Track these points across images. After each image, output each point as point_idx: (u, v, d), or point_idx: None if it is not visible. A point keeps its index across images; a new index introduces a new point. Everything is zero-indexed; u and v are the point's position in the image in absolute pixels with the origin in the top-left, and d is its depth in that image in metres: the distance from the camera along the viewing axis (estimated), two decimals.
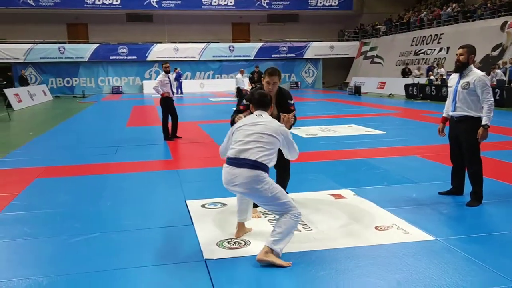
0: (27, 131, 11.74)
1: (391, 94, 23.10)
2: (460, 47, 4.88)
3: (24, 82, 24.08)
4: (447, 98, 5.10)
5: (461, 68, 4.83)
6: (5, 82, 18.13)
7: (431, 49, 24.86)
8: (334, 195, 5.27)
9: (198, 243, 3.89)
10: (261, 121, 3.63)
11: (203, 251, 3.70)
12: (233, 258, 3.56)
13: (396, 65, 27.51)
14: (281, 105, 4.53)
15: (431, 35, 25.43)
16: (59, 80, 29.32)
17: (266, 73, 4.43)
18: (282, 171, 4.73)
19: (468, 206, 4.76)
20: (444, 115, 5.16)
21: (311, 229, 4.19)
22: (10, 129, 13.00)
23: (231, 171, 3.51)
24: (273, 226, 4.14)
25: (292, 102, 4.60)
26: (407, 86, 21.20)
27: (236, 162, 3.50)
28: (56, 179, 6.46)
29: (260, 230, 4.14)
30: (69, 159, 7.79)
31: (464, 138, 4.81)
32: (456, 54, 4.90)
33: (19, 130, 12.81)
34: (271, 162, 3.58)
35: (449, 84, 5.08)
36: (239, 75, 18.25)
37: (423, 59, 25.22)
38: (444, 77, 18.50)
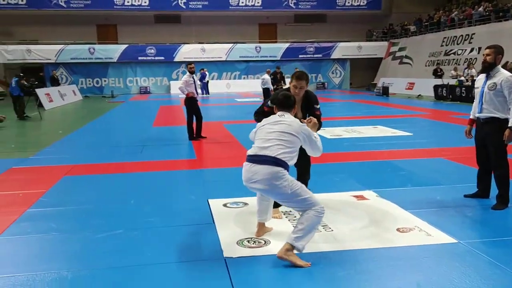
0: (57, 130, 12.03)
1: (419, 95, 22.74)
2: (487, 48, 4.79)
3: (55, 82, 24.68)
4: (474, 100, 5.01)
5: (488, 68, 4.75)
6: (36, 82, 18.59)
7: (462, 50, 24.34)
8: (356, 196, 5.24)
9: (219, 241, 3.93)
10: (283, 120, 3.64)
11: (223, 250, 3.74)
12: (252, 257, 3.59)
13: (426, 65, 27.04)
14: (307, 109, 4.53)
15: (462, 35, 24.89)
16: (89, 81, 29.97)
17: (294, 77, 4.41)
18: (304, 170, 4.73)
19: (494, 209, 4.66)
20: (471, 117, 5.05)
21: (332, 230, 4.18)
22: (41, 128, 13.36)
23: (251, 168, 3.53)
24: (293, 226, 4.16)
25: (318, 106, 4.59)
26: (436, 87, 20.83)
27: (255, 159, 3.52)
28: (83, 177, 6.62)
29: (281, 230, 4.15)
30: (96, 158, 7.97)
31: (491, 140, 4.72)
32: (483, 55, 4.81)
33: (49, 129, 13.15)
34: (291, 160, 3.57)
35: (475, 85, 4.98)
36: (265, 76, 18.30)
37: (454, 59, 24.72)
38: (475, 78, 18.09)
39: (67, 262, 3.58)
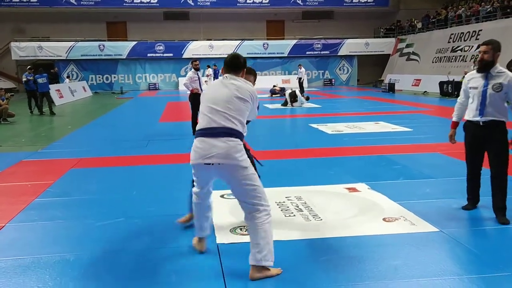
0: (66, 125, 12.38)
1: (425, 91, 22.81)
2: (483, 44, 4.28)
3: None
4: (459, 100, 4.58)
5: (486, 67, 4.24)
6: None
7: (469, 46, 24.32)
8: (348, 189, 5.44)
9: (213, 229, 4.17)
10: (230, 83, 3.32)
11: (216, 236, 3.98)
12: (243, 243, 3.80)
13: (433, 62, 27.06)
14: None
15: (469, 32, 24.86)
16: (99, 77, 30.41)
17: None
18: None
19: (503, 223, 4.19)
20: (454, 119, 4.63)
21: (321, 219, 4.40)
22: (51, 123, 13.70)
23: (204, 143, 3.21)
24: (285, 215, 4.39)
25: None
26: (442, 84, 20.90)
27: (208, 132, 3.22)
28: (89, 169, 6.90)
29: (273, 219, 4.37)
30: (102, 152, 8.25)
31: (493, 145, 4.29)
32: (479, 52, 4.30)
33: (59, 124, 13.49)
34: (245, 131, 3.31)
35: (471, 85, 4.39)
36: None
37: (460, 56, 24.72)
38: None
39: (70, 247, 3.84)
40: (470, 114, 4.39)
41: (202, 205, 3.57)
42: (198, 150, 3.23)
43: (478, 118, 4.30)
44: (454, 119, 4.65)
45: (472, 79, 4.41)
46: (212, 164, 3.17)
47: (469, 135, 4.44)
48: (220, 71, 3.70)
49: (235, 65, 3.41)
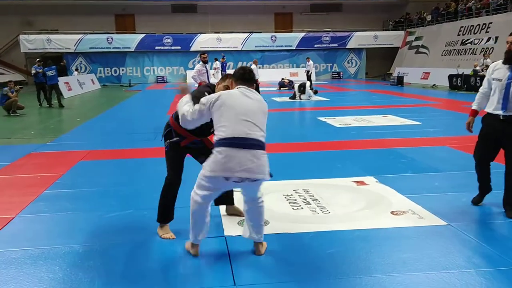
0: (75, 118, 12.44)
1: (434, 85, 22.65)
2: None
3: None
4: (482, 90, 4.41)
5: None
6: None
7: (479, 39, 24.09)
8: (356, 182, 5.43)
9: (221, 221, 4.19)
10: (254, 97, 3.35)
11: (224, 229, 4.00)
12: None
13: (442, 55, 26.84)
14: None
15: (479, 24, 24.61)
16: (107, 70, 30.53)
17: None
18: None
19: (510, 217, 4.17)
20: (474, 107, 4.46)
21: (329, 212, 4.40)
22: (60, 116, 13.78)
23: (239, 154, 3.12)
24: (293, 208, 4.40)
25: None
26: (451, 77, 20.73)
27: (241, 142, 3.14)
28: (98, 161, 6.94)
29: (278, 210, 4.39)
30: (110, 144, 8.30)
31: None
32: (507, 43, 4.15)
33: (68, 116, 13.56)
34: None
35: (494, 76, 4.23)
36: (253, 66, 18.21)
37: (470, 49, 24.49)
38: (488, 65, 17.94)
39: (79, 238, 3.87)
40: (491, 107, 4.23)
41: (204, 210, 3.41)
42: (228, 161, 3.11)
43: (499, 112, 4.14)
44: (473, 107, 4.47)
45: (497, 70, 4.23)
46: (242, 181, 3.16)
47: (488, 127, 4.29)
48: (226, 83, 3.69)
49: (251, 78, 3.45)
